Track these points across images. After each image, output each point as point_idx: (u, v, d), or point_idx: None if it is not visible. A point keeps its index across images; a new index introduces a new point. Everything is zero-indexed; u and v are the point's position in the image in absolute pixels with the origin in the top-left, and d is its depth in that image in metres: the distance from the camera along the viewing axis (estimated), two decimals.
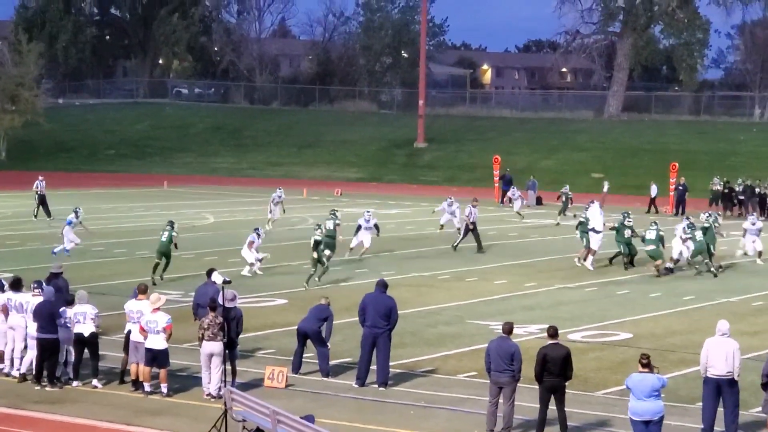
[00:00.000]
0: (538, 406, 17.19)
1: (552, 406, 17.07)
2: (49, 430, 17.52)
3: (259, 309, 27.38)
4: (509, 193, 55.18)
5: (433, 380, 20.73)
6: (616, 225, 35.27)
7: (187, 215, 48.92)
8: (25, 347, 20.18)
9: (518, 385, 17.38)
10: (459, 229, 41.18)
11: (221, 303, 19.30)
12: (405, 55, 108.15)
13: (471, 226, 39.01)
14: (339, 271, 33.58)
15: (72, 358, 19.93)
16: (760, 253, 37.38)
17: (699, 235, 34.28)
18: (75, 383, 19.82)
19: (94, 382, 19.79)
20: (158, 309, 19.35)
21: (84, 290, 20.83)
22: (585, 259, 35.27)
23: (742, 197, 55.02)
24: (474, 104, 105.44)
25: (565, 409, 17.12)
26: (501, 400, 17.25)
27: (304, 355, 20.89)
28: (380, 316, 19.85)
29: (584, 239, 35.60)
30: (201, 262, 33.10)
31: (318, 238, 30.65)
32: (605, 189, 47.54)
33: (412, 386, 20.17)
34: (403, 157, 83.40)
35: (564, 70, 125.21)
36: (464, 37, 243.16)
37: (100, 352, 20.19)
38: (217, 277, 21.10)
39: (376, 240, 37.29)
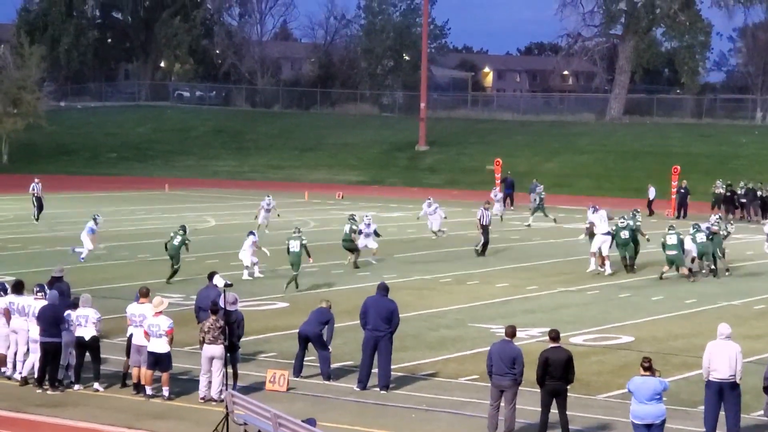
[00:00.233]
0: (540, 409, 17.20)
1: (554, 410, 17.07)
2: None
3: (261, 312, 27.39)
4: (491, 194, 54.47)
5: (434, 383, 20.73)
6: (613, 228, 35.22)
7: (189, 218, 48.88)
8: (27, 351, 20.18)
9: (520, 388, 17.39)
10: (435, 231, 42.27)
11: (223, 306, 19.30)
12: (406, 57, 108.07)
13: (481, 229, 38.92)
14: (340, 274, 33.60)
15: (74, 361, 19.92)
16: None
17: (700, 237, 34.27)
18: (76, 386, 19.80)
19: (96, 385, 19.78)
20: (161, 313, 19.35)
21: (87, 293, 20.82)
22: (602, 266, 35.09)
23: (743, 200, 55.05)
24: (475, 107, 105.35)
25: (567, 412, 17.12)
26: (502, 404, 17.25)
27: (306, 359, 20.89)
28: (381, 319, 19.84)
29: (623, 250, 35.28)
30: (202, 265, 33.08)
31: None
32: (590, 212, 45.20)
33: (413, 389, 20.18)
34: (404, 160, 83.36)
35: (566, 72, 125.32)
36: (466, 39, 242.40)
37: (102, 356, 20.18)
38: (218, 281, 21.04)
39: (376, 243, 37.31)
